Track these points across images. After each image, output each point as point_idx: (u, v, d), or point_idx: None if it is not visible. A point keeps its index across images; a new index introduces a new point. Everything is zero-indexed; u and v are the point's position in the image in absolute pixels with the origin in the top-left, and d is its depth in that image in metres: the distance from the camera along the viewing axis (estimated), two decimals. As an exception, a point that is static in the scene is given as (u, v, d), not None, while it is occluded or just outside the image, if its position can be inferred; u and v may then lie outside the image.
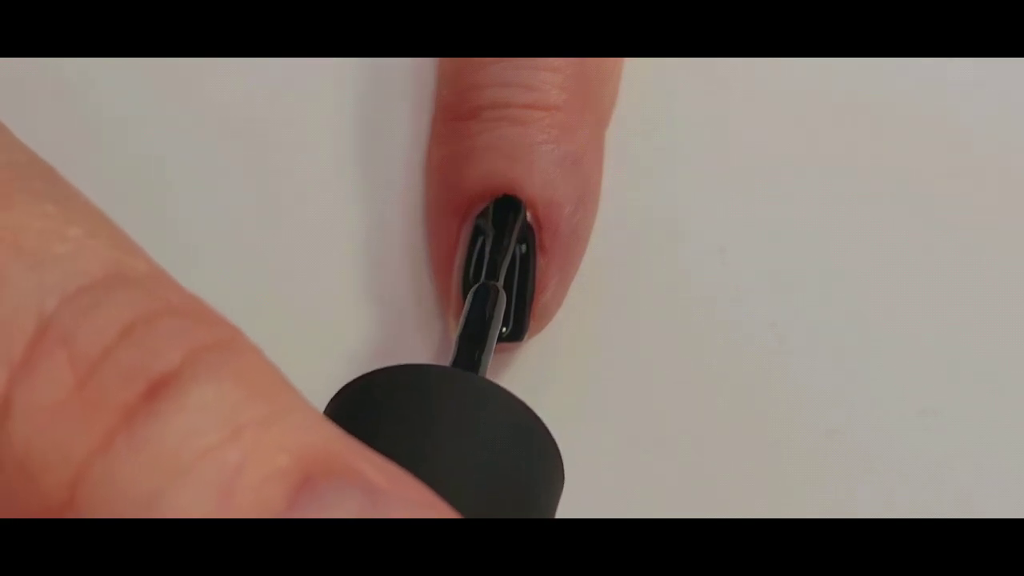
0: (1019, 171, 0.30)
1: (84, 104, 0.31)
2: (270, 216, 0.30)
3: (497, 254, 0.27)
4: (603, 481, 0.28)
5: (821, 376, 0.28)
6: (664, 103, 0.31)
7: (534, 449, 0.22)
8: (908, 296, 0.29)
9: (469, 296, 0.26)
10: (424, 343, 0.29)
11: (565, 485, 0.26)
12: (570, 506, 0.27)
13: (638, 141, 0.30)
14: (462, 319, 0.25)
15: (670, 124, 0.31)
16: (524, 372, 0.29)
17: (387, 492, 0.17)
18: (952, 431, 0.28)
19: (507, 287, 0.27)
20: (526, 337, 0.27)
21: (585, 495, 0.27)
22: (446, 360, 0.24)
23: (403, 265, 0.29)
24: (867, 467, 0.28)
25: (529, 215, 0.27)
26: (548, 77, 0.28)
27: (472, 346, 0.24)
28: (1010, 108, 0.31)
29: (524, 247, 0.27)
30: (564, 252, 0.27)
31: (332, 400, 0.22)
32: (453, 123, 0.28)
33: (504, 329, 0.27)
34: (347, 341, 0.29)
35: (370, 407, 0.21)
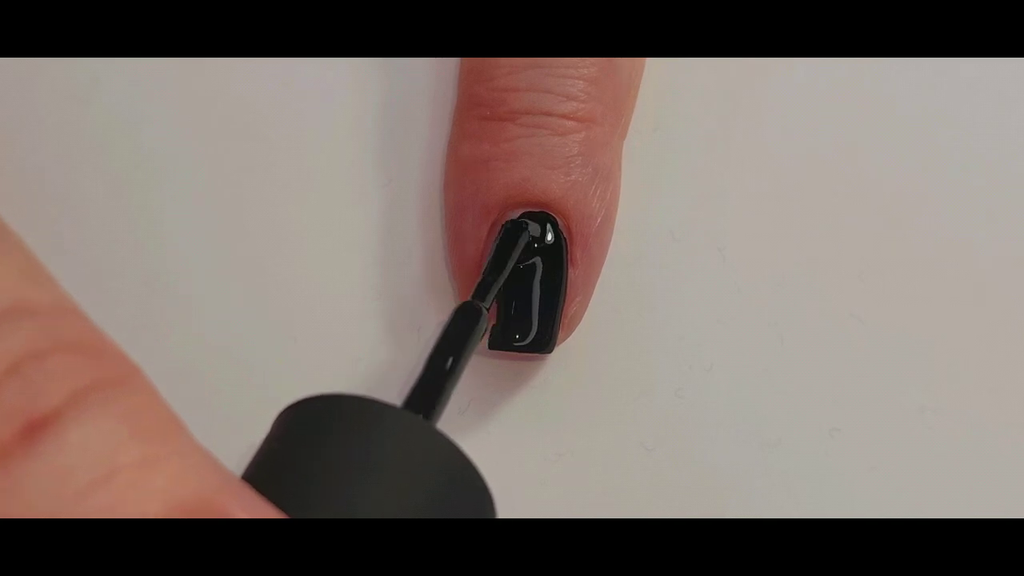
0: (1019, 171, 0.30)
1: (98, 106, 0.31)
2: (280, 216, 0.30)
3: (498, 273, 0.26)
4: (602, 480, 0.28)
5: (821, 376, 0.29)
6: (663, 104, 0.31)
7: (456, 499, 0.21)
8: (908, 295, 0.29)
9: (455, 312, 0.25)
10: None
11: (563, 483, 0.26)
12: (570, 504, 0.27)
13: (636, 140, 0.30)
14: (438, 341, 0.24)
15: (668, 124, 0.30)
16: (526, 369, 0.29)
17: None
18: (952, 430, 0.28)
19: (529, 301, 0.27)
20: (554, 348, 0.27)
21: (584, 494, 0.28)
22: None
23: (418, 265, 0.29)
24: (868, 466, 0.28)
25: (561, 225, 0.27)
26: (585, 87, 0.27)
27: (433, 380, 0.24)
28: (1010, 108, 0.31)
29: (544, 259, 0.27)
30: (591, 264, 0.27)
31: (280, 415, 0.21)
32: (486, 122, 0.28)
33: (525, 341, 0.27)
34: (360, 345, 0.28)
35: (304, 436, 0.21)
